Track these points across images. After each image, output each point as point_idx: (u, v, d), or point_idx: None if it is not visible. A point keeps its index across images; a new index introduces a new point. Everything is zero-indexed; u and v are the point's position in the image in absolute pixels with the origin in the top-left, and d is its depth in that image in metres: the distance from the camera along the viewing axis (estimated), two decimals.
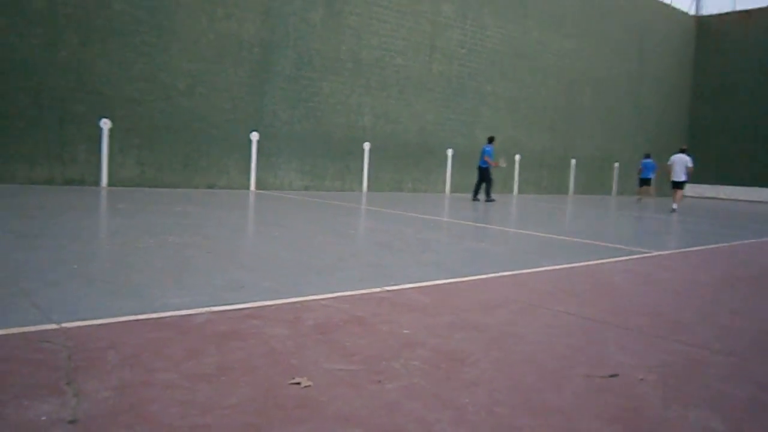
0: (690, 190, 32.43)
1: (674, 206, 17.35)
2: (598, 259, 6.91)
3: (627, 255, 7.41)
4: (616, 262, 6.85)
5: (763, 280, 6.22)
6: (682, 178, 17.61)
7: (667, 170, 18.11)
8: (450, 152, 20.72)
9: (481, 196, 18.05)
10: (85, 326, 3.22)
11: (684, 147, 18.79)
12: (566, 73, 24.98)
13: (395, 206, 13.26)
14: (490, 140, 17.60)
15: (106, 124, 13.43)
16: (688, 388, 2.82)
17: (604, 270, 6.24)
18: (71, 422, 2.10)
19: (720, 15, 32.22)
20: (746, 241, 10.03)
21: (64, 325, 3.21)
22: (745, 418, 2.51)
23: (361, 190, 18.44)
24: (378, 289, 4.57)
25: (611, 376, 2.93)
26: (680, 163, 17.63)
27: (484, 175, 17.33)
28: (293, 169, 16.91)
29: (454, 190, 21.11)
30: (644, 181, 22.11)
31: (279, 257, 5.84)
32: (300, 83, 16.75)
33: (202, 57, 14.88)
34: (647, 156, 22.90)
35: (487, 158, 17.20)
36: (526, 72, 23.23)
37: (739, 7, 31.71)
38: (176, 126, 14.59)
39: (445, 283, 5.00)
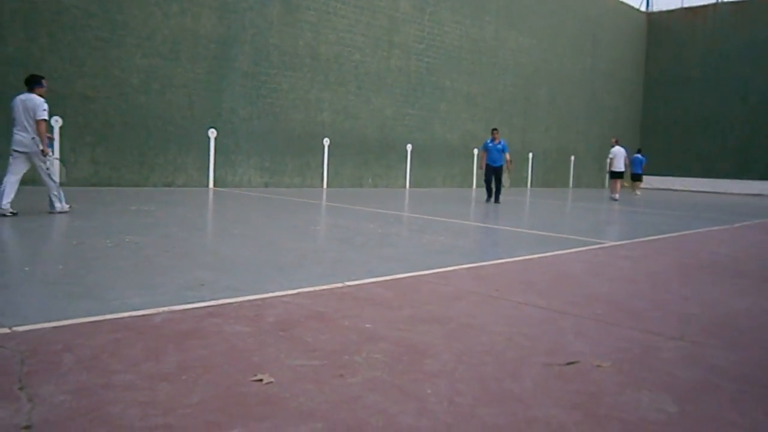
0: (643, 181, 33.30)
1: (615, 196, 19.13)
2: (555, 251, 7.04)
3: (584, 246, 7.57)
4: (573, 252, 6.99)
5: (713, 268, 6.44)
6: (622, 168, 19.47)
7: (610, 163, 19.89)
8: (409, 147, 20.80)
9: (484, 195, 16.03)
10: (39, 329, 3.14)
11: (617, 139, 20.65)
12: (522, 69, 25.32)
13: (356, 202, 13.26)
14: (495, 131, 15.38)
15: (57, 121, 13.04)
16: (642, 373, 2.91)
17: (561, 261, 6.37)
18: (26, 428, 2.05)
19: (669, 11, 33.11)
20: (697, 231, 10.36)
21: (15, 328, 3.13)
22: (695, 399, 2.60)
23: (321, 186, 18.37)
24: (339, 285, 4.58)
25: (569, 363, 3.00)
26: (620, 155, 19.54)
27: (498, 174, 15.32)
28: (252, 166, 16.74)
29: (414, 185, 21.21)
30: (635, 177, 23.81)
31: (239, 255, 5.79)
32: (258, 79, 16.57)
33: (157, 52, 14.58)
34: (638, 151, 24.41)
35: (507, 156, 15.26)
36: (483, 67, 23.45)
37: (687, 4, 32.66)
38: (131, 123, 14.26)
39: (406, 277, 5.03)
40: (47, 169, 8.11)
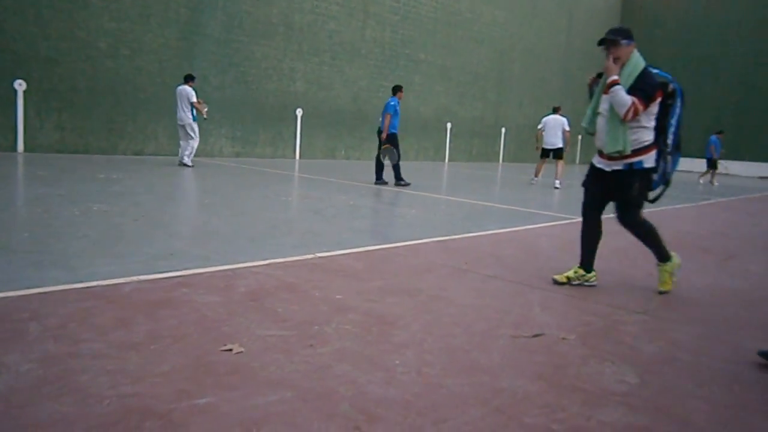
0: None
1: (534, 179, 14.51)
2: (525, 225, 7.13)
3: (552, 221, 7.68)
4: (542, 227, 7.09)
5: (676, 244, 6.59)
6: (559, 144, 13.88)
7: (538, 135, 14.40)
8: None
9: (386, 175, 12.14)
10: (4, 298, 3.09)
11: (557, 106, 14.71)
12: (498, 43, 25.27)
13: (328, 173, 13.21)
14: (395, 90, 11.63)
15: (21, 85, 12.67)
16: (605, 346, 2.99)
17: (530, 235, 6.45)
18: None
19: None
20: (663, 208, 10.57)
21: None
22: (656, 371, 2.69)
23: (293, 157, 18.23)
24: (310, 256, 4.58)
25: (535, 336, 3.07)
26: (555, 126, 13.93)
27: (393, 143, 11.37)
28: (224, 135, 16.51)
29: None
30: (712, 163, 19.84)
31: (210, 225, 5.74)
32: (230, 47, 16.26)
33: (126, 16, 14.18)
34: (719, 133, 20.46)
35: (387, 118, 11.18)
36: (458, 41, 23.35)
37: None
38: (99, 89, 13.92)
39: (377, 249, 5.05)
40: (191, 132, 12.50)
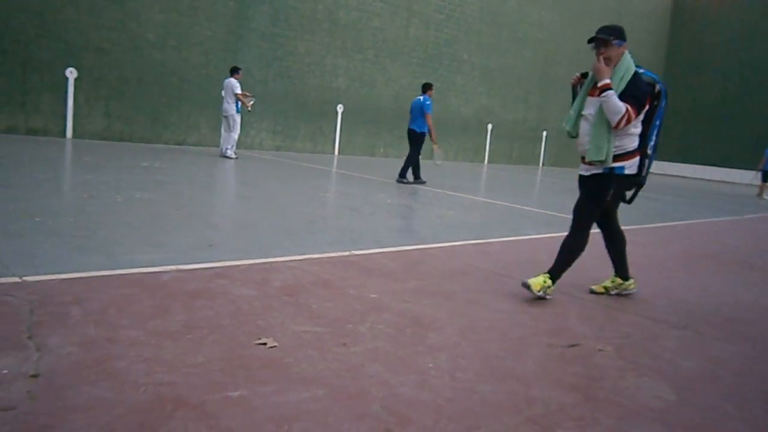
0: (654, 167, 32.84)
1: None
2: (564, 231, 7.01)
3: (592, 229, 7.53)
4: None
5: (719, 257, 6.41)
6: None
7: None
8: None
9: (409, 176, 11.54)
10: (49, 281, 3.17)
11: None
12: (543, 45, 24.94)
13: (367, 171, 13.23)
14: (426, 88, 11.82)
15: (72, 73, 13.01)
16: (643, 359, 2.92)
17: None
18: (34, 376, 2.09)
19: None
20: (707, 220, 10.29)
21: (26, 278, 3.17)
22: (694, 389, 2.62)
23: (333, 152, 18.32)
24: (347, 253, 4.59)
25: (572, 345, 3.01)
26: None
27: (421, 141, 11.51)
28: (265, 128, 16.68)
29: (425, 157, 21.07)
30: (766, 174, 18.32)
31: (249, 218, 5.81)
32: (275, 41, 16.41)
33: (175, 8, 14.44)
34: None
35: (429, 117, 11.33)
36: (502, 42, 23.11)
37: None
38: (146, 79, 14.20)
39: (413, 249, 5.04)
40: (233, 124, 12.72)
